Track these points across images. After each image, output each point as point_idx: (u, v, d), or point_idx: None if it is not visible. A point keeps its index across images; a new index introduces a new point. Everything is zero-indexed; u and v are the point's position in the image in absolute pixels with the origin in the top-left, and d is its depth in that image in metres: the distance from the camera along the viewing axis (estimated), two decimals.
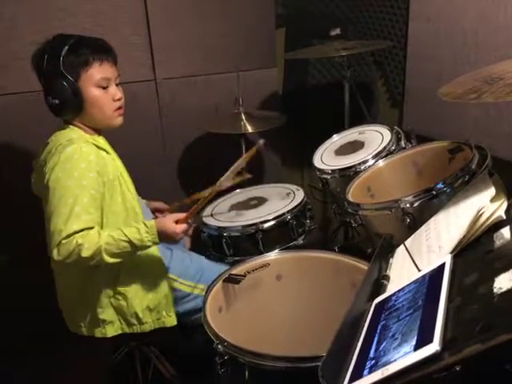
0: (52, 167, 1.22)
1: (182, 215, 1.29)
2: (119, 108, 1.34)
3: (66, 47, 1.24)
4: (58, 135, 1.29)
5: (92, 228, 1.19)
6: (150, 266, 1.36)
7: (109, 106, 1.31)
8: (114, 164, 1.32)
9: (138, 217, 1.34)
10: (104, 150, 1.31)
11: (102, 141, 1.34)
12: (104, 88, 1.29)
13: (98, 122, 1.33)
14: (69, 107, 1.27)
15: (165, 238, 1.25)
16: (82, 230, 1.17)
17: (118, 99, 1.33)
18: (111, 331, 1.35)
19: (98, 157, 1.26)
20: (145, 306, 1.35)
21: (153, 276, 1.36)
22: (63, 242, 1.15)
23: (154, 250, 1.36)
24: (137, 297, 1.34)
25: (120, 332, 1.36)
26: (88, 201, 1.20)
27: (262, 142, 1.44)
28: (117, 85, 1.34)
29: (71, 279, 1.34)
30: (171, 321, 1.40)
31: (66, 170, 1.20)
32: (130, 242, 1.20)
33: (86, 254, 1.15)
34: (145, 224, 1.23)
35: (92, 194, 1.21)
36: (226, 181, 1.39)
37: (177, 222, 1.27)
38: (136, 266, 1.33)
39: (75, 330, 1.39)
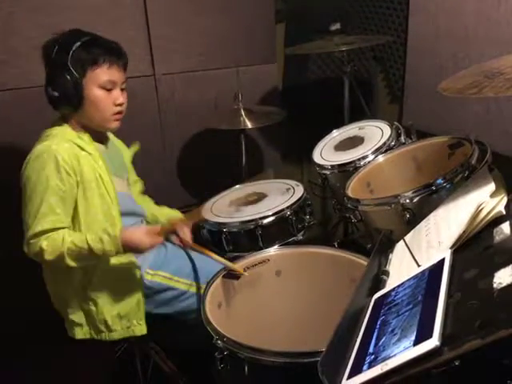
0: (26, 162, 1.22)
1: (156, 229, 1.26)
2: (118, 113, 1.32)
3: (79, 43, 1.23)
4: (46, 130, 1.29)
5: (58, 229, 1.20)
6: (125, 272, 1.32)
7: (108, 108, 1.29)
8: (93, 165, 1.27)
9: (114, 220, 1.30)
10: (85, 150, 1.27)
11: (86, 139, 1.30)
12: (108, 90, 1.28)
13: (94, 123, 1.31)
14: (67, 102, 1.25)
15: (129, 247, 1.22)
16: (47, 231, 1.18)
17: (119, 104, 1.31)
18: (80, 334, 1.33)
19: (71, 156, 1.22)
20: (115, 313, 1.32)
21: (126, 282, 1.33)
22: (30, 241, 1.19)
23: (131, 256, 1.33)
24: (107, 303, 1.31)
25: (88, 337, 1.34)
26: (55, 201, 1.19)
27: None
28: (122, 89, 1.32)
29: (49, 277, 1.35)
30: (141, 329, 1.36)
31: (35, 169, 1.20)
32: (91, 250, 1.19)
33: (48, 257, 1.18)
34: (108, 234, 1.20)
35: (60, 194, 1.20)
36: None
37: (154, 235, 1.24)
38: (110, 270, 1.30)
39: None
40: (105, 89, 1.27)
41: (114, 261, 1.30)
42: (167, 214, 1.58)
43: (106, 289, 1.31)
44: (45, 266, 1.32)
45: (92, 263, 1.26)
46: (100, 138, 1.37)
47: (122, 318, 1.33)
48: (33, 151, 1.23)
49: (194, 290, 1.43)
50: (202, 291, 1.25)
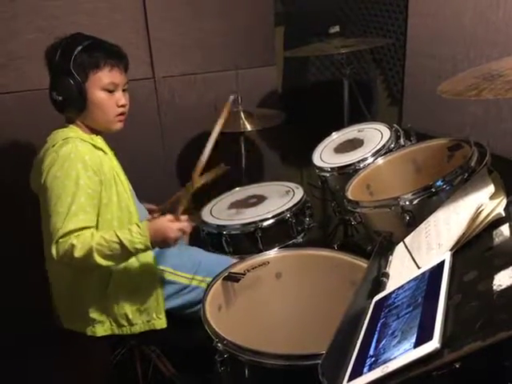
0: (49, 166, 1.22)
1: (174, 215, 1.27)
2: (121, 114, 1.35)
3: (80, 47, 1.25)
4: (56, 134, 1.30)
5: (89, 228, 1.20)
6: (141, 267, 1.34)
7: (111, 110, 1.32)
8: (111, 164, 1.32)
9: (132, 217, 1.34)
10: (101, 149, 1.31)
11: (99, 140, 1.34)
12: (110, 92, 1.30)
13: (98, 124, 1.34)
14: (71, 105, 1.28)
15: (159, 238, 1.22)
16: (78, 229, 1.17)
17: (122, 105, 1.34)
18: (101, 331, 1.34)
19: (94, 156, 1.26)
20: (135, 308, 1.34)
21: (144, 277, 1.35)
22: (60, 240, 1.16)
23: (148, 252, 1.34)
24: (127, 298, 1.32)
25: (109, 332, 1.34)
26: (85, 200, 1.20)
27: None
28: (124, 91, 1.35)
29: (64, 277, 1.33)
30: (161, 323, 1.38)
31: (64, 169, 1.20)
32: (120, 243, 1.18)
33: (78, 254, 1.15)
34: (137, 225, 1.22)
35: (89, 193, 1.22)
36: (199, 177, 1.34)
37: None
38: (128, 266, 1.32)
39: (70, 326, 1.39)
40: (107, 91, 1.30)
41: (133, 258, 1.30)
42: None
43: (126, 285, 1.32)
44: (69, 267, 1.27)
45: (121, 262, 1.25)
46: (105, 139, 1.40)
47: (142, 312, 1.35)
48: (56, 154, 1.22)
49: (195, 283, 1.44)
50: (204, 285, 1.25)
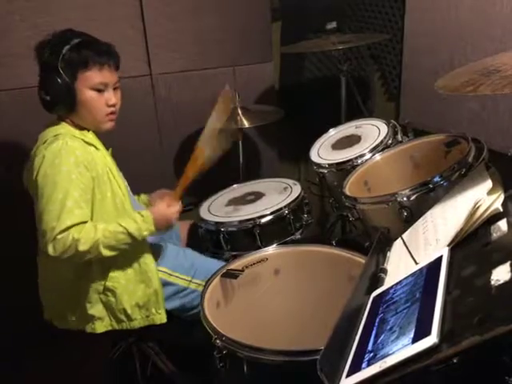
0: (39, 163, 1.21)
1: (170, 198, 1.35)
2: (112, 113, 1.32)
3: (68, 46, 1.22)
4: (47, 130, 1.28)
5: (85, 223, 1.20)
6: (140, 262, 1.34)
7: (101, 109, 1.30)
8: (104, 160, 1.31)
9: (127, 213, 1.33)
10: (93, 145, 1.29)
11: (90, 136, 1.32)
12: (100, 91, 1.28)
13: (88, 123, 1.32)
14: (60, 105, 1.25)
15: (161, 223, 1.30)
16: (75, 225, 1.17)
17: (112, 105, 1.31)
18: (100, 327, 1.34)
19: (85, 152, 1.25)
20: (134, 303, 1.34)
21: (143, 272, 1.35)
22: (58, 237, 1.15)
23: (145, 246, 1.35)
24: (126, 293, 1.32)
25: (110, 328, 1.35)
26: (79, 195, 1.20)
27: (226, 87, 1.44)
28: (115, 89, 1.32)
29: (61, 274, 1.32)
30: (160, 318, 1.38)
31: (55, 165, 1.19)
32: (128, 233, 1.22)
33: (82, 248, 1.17)
34: (140, 214, 1.27)
35: (82, 188, 1.21)
36: (205, 146, 1.42)
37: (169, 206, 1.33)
38: (126, 261, 1.32)
39: (63, 325, 1.38)
40: (97, 90, 1.27)
41: (130, 254, 1.32)
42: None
43: (123, 280, 1.32)
44: (67, 262, 1.25)
45: (122, 251, 1.27)
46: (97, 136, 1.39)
47: (141, 307, 1.35)
48: (46, 151, 1.22)
49: (193, 286, 1.44)
50: (202, 288, 1.25)
